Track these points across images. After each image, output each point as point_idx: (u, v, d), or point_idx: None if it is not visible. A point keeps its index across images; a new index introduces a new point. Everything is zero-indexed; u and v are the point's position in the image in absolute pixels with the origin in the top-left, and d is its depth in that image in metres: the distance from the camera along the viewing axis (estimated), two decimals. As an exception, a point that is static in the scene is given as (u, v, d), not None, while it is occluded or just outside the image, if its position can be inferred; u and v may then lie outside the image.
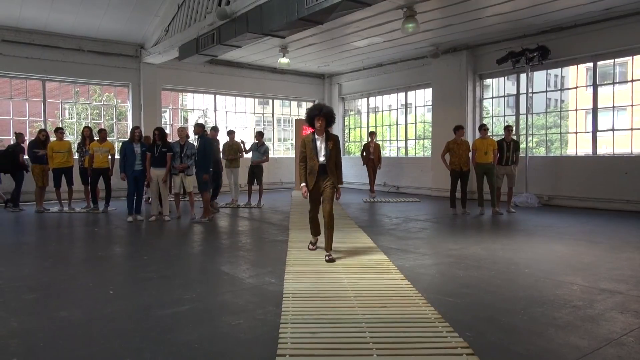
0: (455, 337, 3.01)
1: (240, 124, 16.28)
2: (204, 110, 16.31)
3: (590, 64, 10.22)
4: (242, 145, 10.43)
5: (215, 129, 10.15)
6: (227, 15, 8.59)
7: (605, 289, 4.15)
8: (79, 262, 5.58)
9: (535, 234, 7.00)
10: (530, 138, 11.09)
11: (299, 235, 6.52)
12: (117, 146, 11.01)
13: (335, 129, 14.78)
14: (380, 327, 3.17)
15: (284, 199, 11.92)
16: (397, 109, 15.00)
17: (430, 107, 13.25)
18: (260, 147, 10.45)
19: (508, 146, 9.10)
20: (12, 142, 10.16)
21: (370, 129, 14.69)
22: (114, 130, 13.23)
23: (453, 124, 9.65)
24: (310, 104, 14.84)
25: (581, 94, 10.94)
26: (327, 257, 5.12)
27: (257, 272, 4.81)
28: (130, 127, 11.58)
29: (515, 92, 11.59)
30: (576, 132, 11.04)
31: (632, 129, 10.12)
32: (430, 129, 13.44)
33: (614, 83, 10.32)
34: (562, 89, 14.25)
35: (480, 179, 9.08)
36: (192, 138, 9.52)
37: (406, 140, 14.49)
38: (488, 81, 12.81)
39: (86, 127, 9.92)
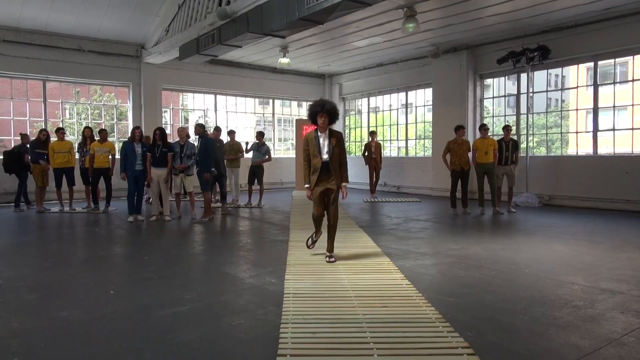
0: (456, 337, 3.00)
1: (241, 124, 16.29)
2: (204, 110, 16.34)
3: (591, 64, 10.21)
4: (245, 145, 10.43)
5: (217, 129, 10.05)
6: (228, 15, 8.59)
7: (606, 288, 4.15)
8: (80, 262, 5.58)
9: (536, 233, 7.00)
10: (530, 138, 11.08)
11: (300, 235, 6.51)
12: (117, 146, 11.02)
13: (336, 129, 14.73)
14: (380, 327, 3.17)
15: (285, 199, 11.91)
16: (397, 109, 14.97)
17: (431, 107, 13.24)
18: (261, 147, 10.46)
19: (507, 146, 9.09)
20: (14, 143, 10.17)
21: (371, 129, 14.67)
22: (115, 130, 13.23)
23: (453, 123, 9.65)
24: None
25: (582, 94, 10.91)
26: (327, 259, 5.10)
27: (258, 272, 4.80)
28: (130, 127, 11.60)
29: (515, 92, 11.58)
30: (577, 132, 11.04)
31: (632, 129, 10.13)
32: (430, 129, 13.44)
33: (614, 83, 10.33)
34: (562, 89, 14.22)
35: (481, 178, 9.07)
36: (193, 138, 9.53)
37: (407, 140, 14.48)
38: (488, 81, 12.80)
39: (87, 127, 9.95)
